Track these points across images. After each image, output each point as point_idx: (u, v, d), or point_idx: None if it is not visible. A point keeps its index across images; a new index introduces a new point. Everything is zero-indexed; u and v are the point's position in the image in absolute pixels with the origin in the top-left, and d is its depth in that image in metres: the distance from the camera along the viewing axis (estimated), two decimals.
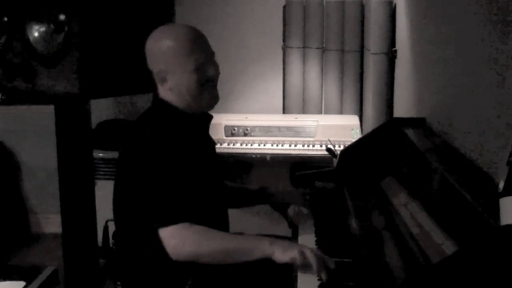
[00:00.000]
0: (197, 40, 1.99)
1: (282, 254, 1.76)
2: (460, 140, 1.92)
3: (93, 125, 2.91)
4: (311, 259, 1.72)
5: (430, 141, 2.08)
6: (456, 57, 2.02)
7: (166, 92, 2.00)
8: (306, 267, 1.73)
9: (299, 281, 1.71)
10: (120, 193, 2.01)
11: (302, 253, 1.73)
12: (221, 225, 2.16)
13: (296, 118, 3.70)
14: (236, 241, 1.86)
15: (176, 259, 1.81)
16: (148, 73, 2.17)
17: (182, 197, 1.85)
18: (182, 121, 2.00)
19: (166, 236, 1.81)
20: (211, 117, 2.14)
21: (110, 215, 2.08)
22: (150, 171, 1.87)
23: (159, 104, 2.03)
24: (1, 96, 4.28)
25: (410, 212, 1.71)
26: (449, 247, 1.37)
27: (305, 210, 2.31)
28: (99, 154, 3.68)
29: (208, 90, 2.01)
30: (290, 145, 3.53)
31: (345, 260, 1.72)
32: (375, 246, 1.69)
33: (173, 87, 1.97)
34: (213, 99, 2.05)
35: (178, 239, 1.81)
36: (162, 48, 1.96)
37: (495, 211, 1.29)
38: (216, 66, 2.01)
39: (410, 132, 2.19)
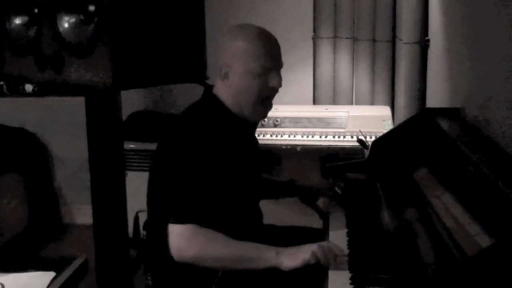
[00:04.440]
0: (270, 46, 1.99)
1: (292, 261, 1.76)
2: (496, 131, 1.88)
3: (124, 116, 2.92)
4: (319, 254, 1.73)
5: (465, 131, 2.05)
6: (491, 44, 1.98)
7: (224, 89, 2.00)
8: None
9: (330, 273, 1.70)
10: (153, 183, 2.02)
11: (314, 254, 1.74)
12: (254, 220, 2.16)
13: (326, 109, 3.68)
14: (241, 249, 1.83)
15: (177, 260, 1.81)
16: (180, 64, 2.16)
17: (202, 197, 1.85)
18: (229, 121, 2.00)
19: (172, 234, 1.81)
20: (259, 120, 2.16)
21: (140, 206, 2.09)
22: (182, 166, 1.88)
23: (210, 99, 2.03)
24: (33, 87, 4.33)
25: (444, 204, 1.68)
26: (484, 240, 1.34)
27: (334, 203, 2.30)
28: (130, 146, 3.69)
29: (263, 104, 2.02)
30: (320, 136, 3.50)
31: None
32: (408, 239, 1.66)
33: (233, 85, 1.97)
34: (264, 114, 2.07)
35: (183, 240, 1.80)
36: (233, 43, 1.97)
37: None
38: (280, 79, 2.00)
39: (443, 123, 2.16)
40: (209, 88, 2.07)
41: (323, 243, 1.79)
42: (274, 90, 2.02)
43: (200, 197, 1.84)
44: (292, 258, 1.77)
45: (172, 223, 1.81)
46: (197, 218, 1.82)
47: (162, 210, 1.87)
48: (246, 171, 2.06)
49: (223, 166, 1.91)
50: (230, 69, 1.96)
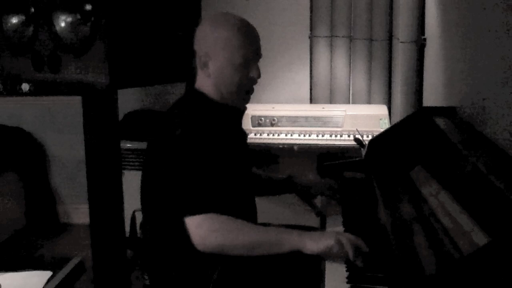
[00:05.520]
0: (251, 36, 1.98)
1: (315, 244, 1.72)
2: (492, 129, 1.88)
3: (120, 116, 2.92)
4: (347, 247, 1.69)
5: (461, 130, 2.05)
6: (487, 44, 1.98)
7: (204, 79, 1.99)
8: (339, 256, 1.71)
9: (327, 271, 1.70)
10: (148, 182, 2.01)
11: (339, 241, 1.70)
12: (249, 214, 2.15)
13: (323, 108, 3.68)
14: (264, 233, 1.81)
15: (202, 250, 1.79)
16: (176, 63, 2.16)
17: (211, 187, 1.83)
18: (215, 112, 1.99)
19: (192, 226, 1.79)
20: (244, 109, 2.13)
21: (137, 205, 2.08)
22: (181, 161, 1.86)
23: (193, 94, 2.02)
24: (29, 87, 4.33)
25: (440, 202, 1.68)
26: (481, 238, 1.34)
27: (333, 201, 2.29)
28: (126, 145, 3.70)
29: (244, 94, 2.01)
30: (317, 135, 3.50)
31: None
32: (404, 237, 1.66)
33: (212, 74, 1.96)
34: (246, 101, 2.05)
35: (205, 229, 1.78)
36: (214, 33, 1.94)
37: None
38: (259, 69, 2.00)
39: (440, 122, 2.16)
40: (191, 83, 2.06)
41: (351, 236, 1.74)
42: (254, 81, 2.01)
43: (209, 187, 1.82)
44: (315, 241, 1.73)
45: (189, 215, 1.79)
46: (212, 206, 1.80)
47: (174, 208, 1.83)
48: (237, 162, 2.05)
49: (218, 156, 1.90)
50: (210, 59, 1.95)
